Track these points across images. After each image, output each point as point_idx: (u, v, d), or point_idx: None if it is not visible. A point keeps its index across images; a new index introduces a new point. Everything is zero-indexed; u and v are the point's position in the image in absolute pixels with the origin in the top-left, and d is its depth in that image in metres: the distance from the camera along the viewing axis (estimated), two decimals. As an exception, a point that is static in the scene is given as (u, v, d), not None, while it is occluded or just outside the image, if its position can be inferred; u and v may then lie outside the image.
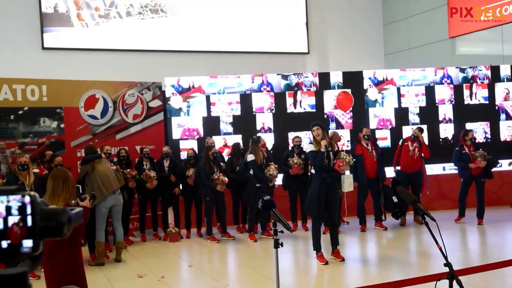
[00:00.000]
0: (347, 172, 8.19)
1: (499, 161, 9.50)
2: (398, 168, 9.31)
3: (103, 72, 10.94)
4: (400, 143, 9.40)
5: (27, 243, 1.08)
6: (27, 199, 1.09)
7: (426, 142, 9.62)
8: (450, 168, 10.25)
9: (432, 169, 10.03)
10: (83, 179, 7.45)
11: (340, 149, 7.41)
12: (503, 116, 10.80)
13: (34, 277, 6.75)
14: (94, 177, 7.29)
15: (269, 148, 9.86)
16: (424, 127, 10.48)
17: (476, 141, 9.55)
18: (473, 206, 9.12)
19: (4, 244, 1.08)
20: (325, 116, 10.34)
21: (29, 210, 1.08)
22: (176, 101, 9.99)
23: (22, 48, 11.44)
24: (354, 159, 7.56)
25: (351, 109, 10.42)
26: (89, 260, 7.58)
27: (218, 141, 9.85)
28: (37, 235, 1.09)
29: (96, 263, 7.34)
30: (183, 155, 9.57)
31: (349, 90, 10.37)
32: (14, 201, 1.08)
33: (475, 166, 8.95)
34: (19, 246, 1.08)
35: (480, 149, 9.07)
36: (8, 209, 1.08)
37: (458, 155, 9.17)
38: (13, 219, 1.08)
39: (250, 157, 8.58)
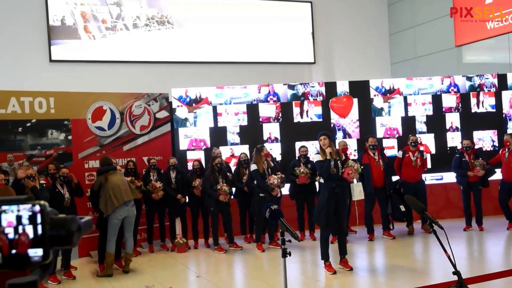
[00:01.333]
0: (355, 181, 8.18)
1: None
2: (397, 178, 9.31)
3: (110, 84, 10.98)
4: (400, 155, 9.37)
5: (37, 252, 1.09)
6: (37, 208, 1.10)
7: (433, 151, 9.58)
8: (431, 179, 10.22)
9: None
10: (98, 189, 7.54)
11: (347, 158, 7.41)
12: (510, 124, 10.74)
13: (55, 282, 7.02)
14: (107, 188, 7.36)
15: (277, 158, 9.85)
16: (431, 135, 10.49)
17: (483, 149, 9.50)
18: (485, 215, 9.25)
19: (14, 253, 1.09)
20: (332, 126, 10.33)
21: (39, 219, 1.09)
22: (182, 112, 10.02)
23: (30, 61, 11.51)
24: (362, 167, 7.55)
25: (357, 118, 10.40)
26: (97, 271, 7.61)
27: (225, 152, 9.87)
28: (47, 244, 1.10)
29: (104, 274, 7.36)
30: (191, 166, 9.59)
31: (355, 100, 10.31)
32: (25, 210, 1.09)
33: (473, 174, 9.10)
34: (27, 255, 1.09)
35: (480, 158, 9.16)
36: (19, 219, 1.09)
37: (457, 162, 9.31)
38: (21, 229, 1.09)
39: (253, 167, 8.60)
